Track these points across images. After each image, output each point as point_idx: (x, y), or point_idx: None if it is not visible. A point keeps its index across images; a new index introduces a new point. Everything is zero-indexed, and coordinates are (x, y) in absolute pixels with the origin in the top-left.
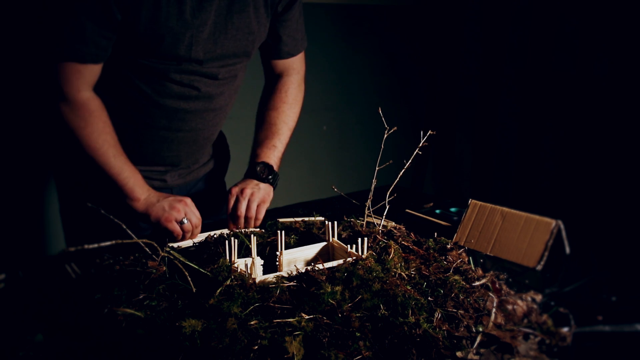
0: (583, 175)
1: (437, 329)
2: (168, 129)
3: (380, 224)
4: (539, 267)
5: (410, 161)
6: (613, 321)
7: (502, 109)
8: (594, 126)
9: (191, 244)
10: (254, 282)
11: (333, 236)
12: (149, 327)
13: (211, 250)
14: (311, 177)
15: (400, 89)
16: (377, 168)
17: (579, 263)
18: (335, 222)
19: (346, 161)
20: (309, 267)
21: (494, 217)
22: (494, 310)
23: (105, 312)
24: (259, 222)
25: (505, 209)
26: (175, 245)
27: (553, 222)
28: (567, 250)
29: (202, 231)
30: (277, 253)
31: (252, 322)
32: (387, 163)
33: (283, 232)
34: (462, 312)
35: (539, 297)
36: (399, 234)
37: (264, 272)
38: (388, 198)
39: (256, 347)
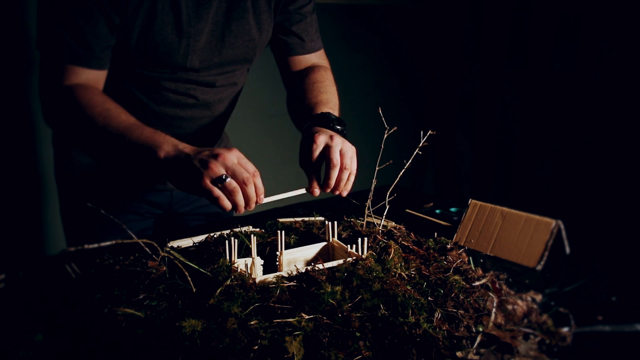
0: (583, 175)
1: (437, 329)
2: None
3: (380, 224)
4: (539, 267)
5: (410, 161)
6: (613, 321)
7: (502, 109)
8: (593, 126)
9: (191, 244)
10: (254, 282)
11: (333, 236)
12: (149, 327)
13: (211, 250)
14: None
15: (400, 89)
16: (377, 168)
17: (579, 263)
18: (335, 222)
19: None
20: (309, 267)
21: (494, 217)
22: (494, 310)
23: (105, 312)
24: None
25: (505, 209)
26: (175, 245)
27: (553, 222)
28: (567, 250)
29: (203, 232)
30: (277, 253)
31: (252, 322)
32: (387, 163)
33: (283, 232)
34: (462, 312)
35: (539, 297)
36: (399, 234)
37: (264, 272)
38: (388, 198)
39: (256, 347)
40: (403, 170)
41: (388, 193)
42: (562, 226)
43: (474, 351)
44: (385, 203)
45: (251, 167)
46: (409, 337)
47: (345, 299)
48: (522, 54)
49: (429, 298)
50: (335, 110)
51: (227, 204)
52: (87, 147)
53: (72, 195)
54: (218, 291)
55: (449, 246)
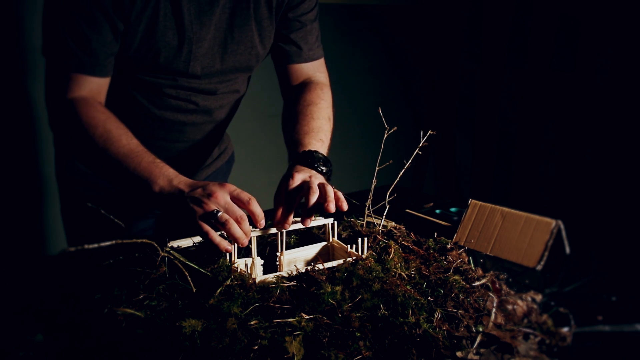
0: (583, 175)
1: (437, 329)
2: (165, 139)
3: (380, 224)
4: (539, 267)
5: (410, 161)
6: (613, 321)
7: (502, 109)
8: (594, 126)
9: (191, 244)
10: (254, 282)
11: (333, 236)
12: (149, 327)
13: (211, 250)
14: None
15: (400, 89)
16: (377, 168)
17: (579, 263)
18: (335, 222)
19: (346, 161)
20: (309, 267)
21: (494, 217)
22: (494, 310)
23: (105, 312)
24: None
25: (505, 209)
26: (175, 245)
27: (553, 222)
28: (567, 250)
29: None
30: (277, 253)
31: (252, 322)
32: (387, 163)
33: (284, 232)
34: (462, 312)
35: (539, 297)
36: (399, 234)
37: (264, 272)
38: (388, 198)
39: (256, 347)
40: (403, 170)
41: (388, 193)
42: (562, 226)
43: (474, 351)
44: (385, 203)
45: (245, 196)
46: (409, 337)
47: (345, 299)
48: (522, 54)
49: (429, 298)
50: (325, 142)
51: (217, 239)
52: (87, 164)
53: (72, 196)
54: (218, 291)
55: (449, 246)
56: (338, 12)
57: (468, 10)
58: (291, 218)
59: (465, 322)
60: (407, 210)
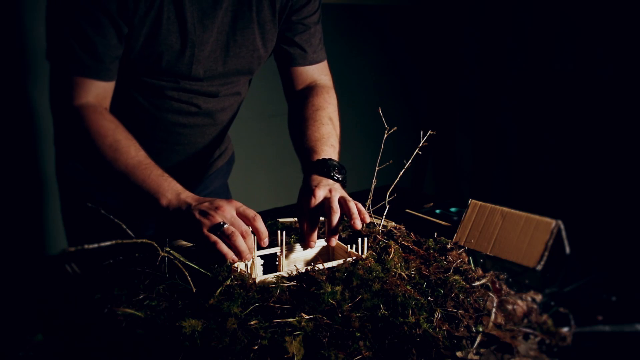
0: (583, 175)
1: (437, 329)
2: (166, 141)
3: (380, 224)
4: (539, 267)
5: (410, 161)
6: (613, 321)
7: (502, 109)
8: (594, 126)
9: (191, 244)
10: (254, 282)
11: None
12: (149, 327)
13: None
14: None
15: (400, 89)
16: (377, 168)
17: (579, 263)
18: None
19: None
20: (309, 267)
21: (494, 217)
22: (494, 310)
23: (105, 312)
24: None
25: (505, 209)
26: (175, 245)
27: (553, 222)
28: (567, 250)
29: None
30: (277, 253)
31: (252, 322)
32: (387, 163)
33: (284, 232)
34: (462, 312)
35: (539, 297)
36: (399, 234)
37: (264, 272)
38: (388, 198)
39: (256, 347)
40: (403, 170)
41: (388, 193)
42: (562, 226)
43: (474, 351)
44: (385, 203)
45: (251, 213)
46: (409, 337)
47: (345, 299)
48: (522, 53)
49: (429, 298)
50: (335, 147)
51: (225, 248)
52: (93, 172)
53: (72, 195)
54: (218, 291)
55: (449, 246)
56: (338, 12)
57: (468, 10)
58: (315, 236)
59: (465, 322)
60: (407, 210)
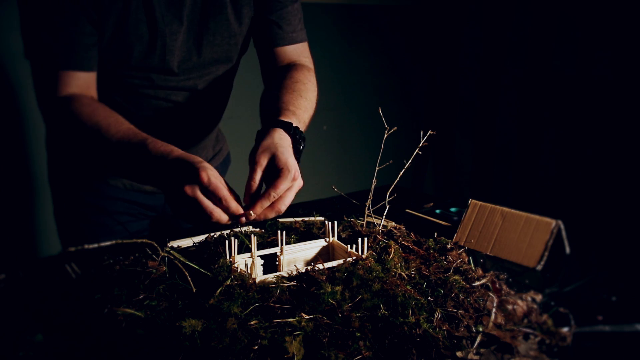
0: (583, 175)
1: (437, 329)
2: None
3: (380, 224)
4: (539, 267)
5: (410, 161)
6: (613, 321)
7: (502, 109)
8: (593, 126)
9: (191, 244)
10: (254, 282)
11: (333, 236)
12: (149, 327)
13: (211, 250)
14: (311, 177)
15: (400, 89)
16: (377, 168)
17: (579, 263)
18: (335, 222)
19: (346, 161)
20: (309, 267)
21: (494, 217)
22: (494, 310)
23: (105, 312)
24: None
25: (505, 209)
26: (175, 244)
27: (553, 222)
28: (567, 250)
29: (203, 232)
30: (277, 253)
31: (252, 322)
32: (387, 163)
33: (284, 232)
34: (462, 312)
35: (539, 297)
36: (399, 234)
37: (264, 272)
38: (388, 198)
39: (256, 347)
40: (403, 170)
41: (388, 193)
42: (562, 226)
43: (474, 351)
44: (385, 203)
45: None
46: (409, 337)
47: (345, 299)
48: (522, 53)
49: (429, 298)
50: (307, 123)
51: (210, 204)
52: (90, 160)
53: (65, 197)
54: (218, 291)
55: (449, 246)
56: (338, 12)
57: (468, 10)
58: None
59: (465, 322)
60: (407, 210)
